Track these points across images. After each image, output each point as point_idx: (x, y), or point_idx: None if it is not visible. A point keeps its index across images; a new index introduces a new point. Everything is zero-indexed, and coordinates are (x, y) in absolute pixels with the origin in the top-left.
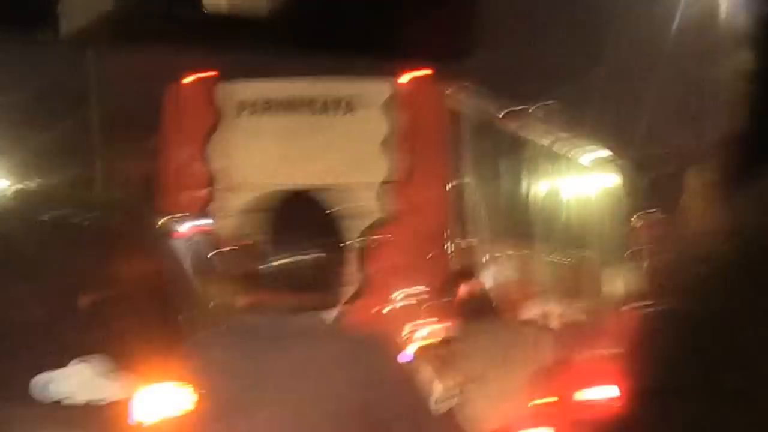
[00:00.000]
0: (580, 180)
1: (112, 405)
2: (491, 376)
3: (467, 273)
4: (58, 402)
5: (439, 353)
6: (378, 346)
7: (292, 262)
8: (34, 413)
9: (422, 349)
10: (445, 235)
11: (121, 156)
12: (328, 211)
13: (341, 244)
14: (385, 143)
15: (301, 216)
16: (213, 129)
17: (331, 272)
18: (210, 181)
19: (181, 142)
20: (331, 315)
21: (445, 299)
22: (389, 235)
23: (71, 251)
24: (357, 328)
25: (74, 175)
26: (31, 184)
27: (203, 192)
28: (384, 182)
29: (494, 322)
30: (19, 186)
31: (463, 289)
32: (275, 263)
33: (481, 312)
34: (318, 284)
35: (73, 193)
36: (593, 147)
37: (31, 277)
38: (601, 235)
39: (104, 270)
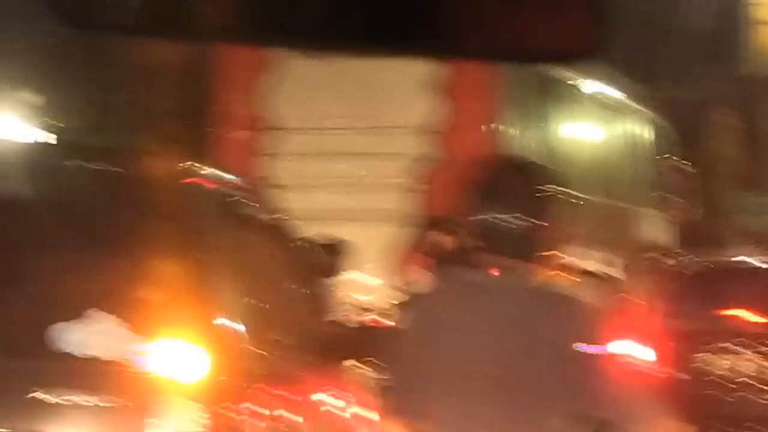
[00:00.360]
0: (612, 124)
1: (125, 358)
2: None
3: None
4: (73, 354)
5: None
6: (572, 302)
7: (507, 227)
8: (49, 365)
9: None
10: None
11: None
12: (536, 180)
13: (543, 212)
14: (428, 88)
15: (515, 183)
16: (263, 70)
17: (536, 237)
18: (259, 122)
19: (230, 83)
20: (532, 274)
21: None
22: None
23: (99, 199)
24: (554, 287)
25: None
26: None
27: (254, 132)
28: (426, 126)
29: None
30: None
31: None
32: (491, 227)
33: None
34: (526, 247)
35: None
36: (623, 91)
37: (58, 225)
38: (633, 179)
39: (130, 219)
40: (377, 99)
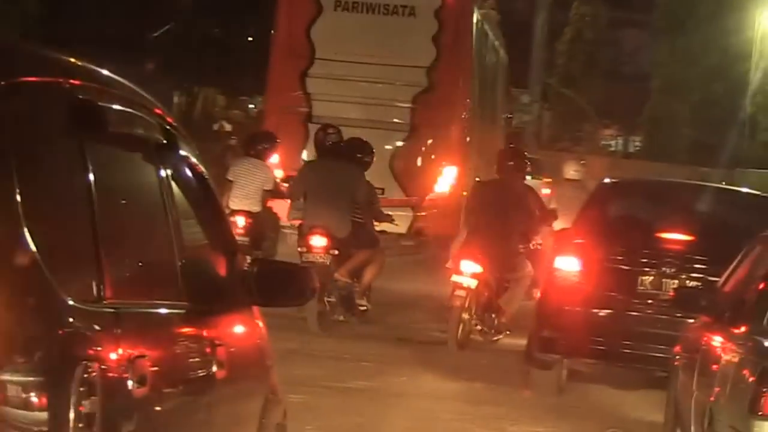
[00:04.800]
0: None
1: None
2: None
3: None
4: None
5: None
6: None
7: None
8: None
9: None
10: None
11: None
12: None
13: None
14: (432, 38)
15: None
16: (316, 18)
17: None
18: (312, 57)
19: (291, 28)
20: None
21: None
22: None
23: None
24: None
25: None
26: None
27: (307, 63)
28: (429, 65)
29: None
30: None
31: None
32: None
33: None
34: None
35: None
36: None
37: None
38: None
39: None
40: (390, 42)
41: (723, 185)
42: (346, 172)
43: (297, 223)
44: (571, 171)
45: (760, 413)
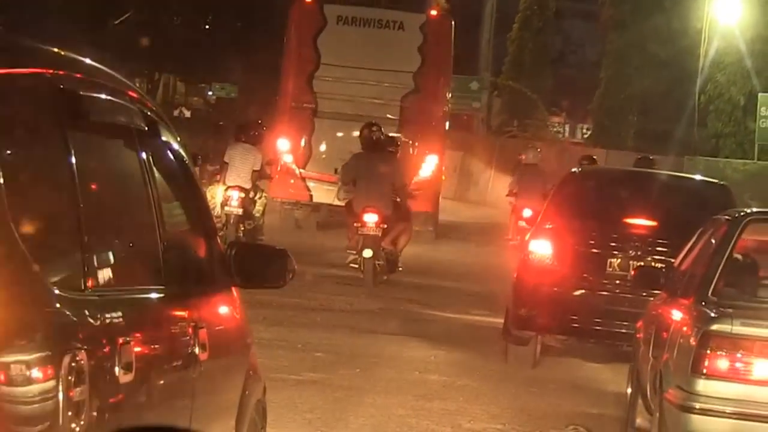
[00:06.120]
0: None
1: None
2: None
3: None
4: None
5: None
6: None
7: None
8: None
9: None
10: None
11: None
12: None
13: None
14: (418, 48)
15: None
16: (321, 30)
17: None
18: (318, 62)
19: (301, 38)
20: None
21: None
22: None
23: None
24: None
25: None
26: None
27: (314, 67)
28: (415, 70)
29: None
30: None
31: None
32: None
33: None
34: None
35: None
36: None
37: None
38: None
39: None
40: (383, 51)
41: (685, 174)
42: (387, 162)
43: (345, 201)
44: (530, 156)
45: (700, 373)
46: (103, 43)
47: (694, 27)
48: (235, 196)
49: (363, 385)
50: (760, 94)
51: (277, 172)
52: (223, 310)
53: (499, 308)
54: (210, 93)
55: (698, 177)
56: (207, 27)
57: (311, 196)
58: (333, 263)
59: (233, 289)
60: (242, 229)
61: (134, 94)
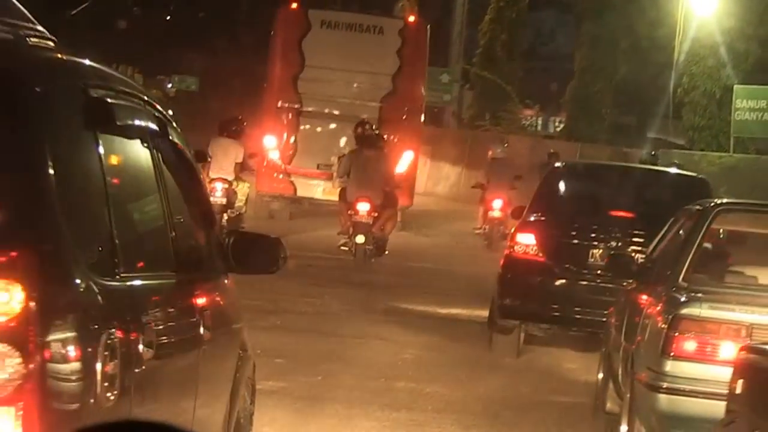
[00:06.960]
0: None
1: None
2: None
3: None
4: None
5: None
6: None
7: None
8: None
9: None
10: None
11: None
12: None
13: None
14: (396, 52)
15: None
16: (306, 34)
17: None
18: (303, 64)
19: (286, 41)
20: None
21: None
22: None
23: None
24: None
25: None
26: None
27: (298, 69)
28: (393, 73)
29: None
30: None
31: None
32: None
33: None
34: None
35: None
36: None
37: None
38: None
39: None
40: (364, 54)
41: (666, 168)
42: (377, 156)
43: (339, 189)
44: (497, 151)
45: (669, 354)
46: (57, 32)
47: (670, 18)
48: (219, 187)
49: (324, 394)
50: (736, 86)
51: (262, 166)
52: (222, 294)
53: (469, 295)
54: (169, 85)
55: (678, 170)
56: (168, 18)
57: (295, 190)
58: (302, 247)
59: (228, 274)
60: (226, 217)
61: (147, 99)
